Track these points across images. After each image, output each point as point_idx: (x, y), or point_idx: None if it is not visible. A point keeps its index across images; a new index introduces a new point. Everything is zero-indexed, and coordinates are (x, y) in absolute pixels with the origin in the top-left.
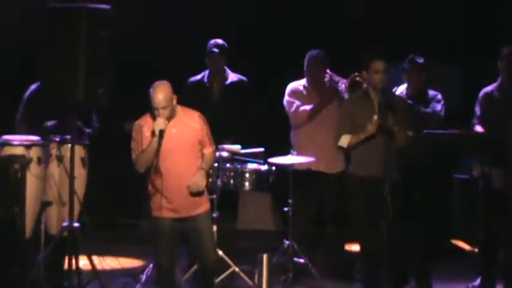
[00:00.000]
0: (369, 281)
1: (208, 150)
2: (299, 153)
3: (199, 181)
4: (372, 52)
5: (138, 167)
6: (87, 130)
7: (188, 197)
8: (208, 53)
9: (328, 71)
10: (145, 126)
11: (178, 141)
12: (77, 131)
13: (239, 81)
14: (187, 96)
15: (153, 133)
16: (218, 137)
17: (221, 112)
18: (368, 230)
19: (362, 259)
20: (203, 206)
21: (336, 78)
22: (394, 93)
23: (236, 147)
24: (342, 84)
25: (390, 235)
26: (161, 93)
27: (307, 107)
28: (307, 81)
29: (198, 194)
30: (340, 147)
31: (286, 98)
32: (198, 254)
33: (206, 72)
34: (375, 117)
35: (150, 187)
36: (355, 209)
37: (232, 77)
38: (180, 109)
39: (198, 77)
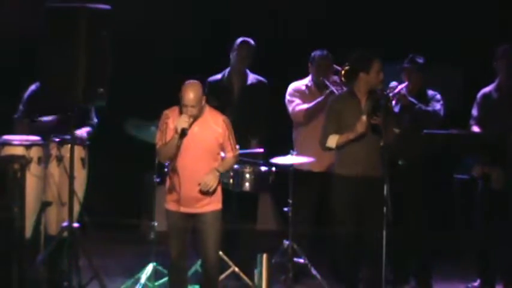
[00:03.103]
0: (349, 280)
1: (229, 154)
2: (300, 153)
3: (210, 180)
4: (369, 52)
5: (160, 158)
6: (88, 129)
7: (197, 194)
8: (237, 46)
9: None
10: (171, 118)
11: (198, 140)
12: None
13: (259, 82)
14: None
15: (175, 130)
16: (239, 137)
17: (241, 112)
18: (349, 231)
19: (340, 257)
20: (212, 205)
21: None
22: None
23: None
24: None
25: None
26: (193, 91)
27: (304, 106)
28: (312, 80)
29: (208, 193)
30: (329, 148)
31: (287, 97)
32: (201, 250)
33: (226, 72)
34: (364, 117)
35: (168, 180)
36: (339, 209)
37: (252, 77)
38: (207, 110)
39: (218, 76)
